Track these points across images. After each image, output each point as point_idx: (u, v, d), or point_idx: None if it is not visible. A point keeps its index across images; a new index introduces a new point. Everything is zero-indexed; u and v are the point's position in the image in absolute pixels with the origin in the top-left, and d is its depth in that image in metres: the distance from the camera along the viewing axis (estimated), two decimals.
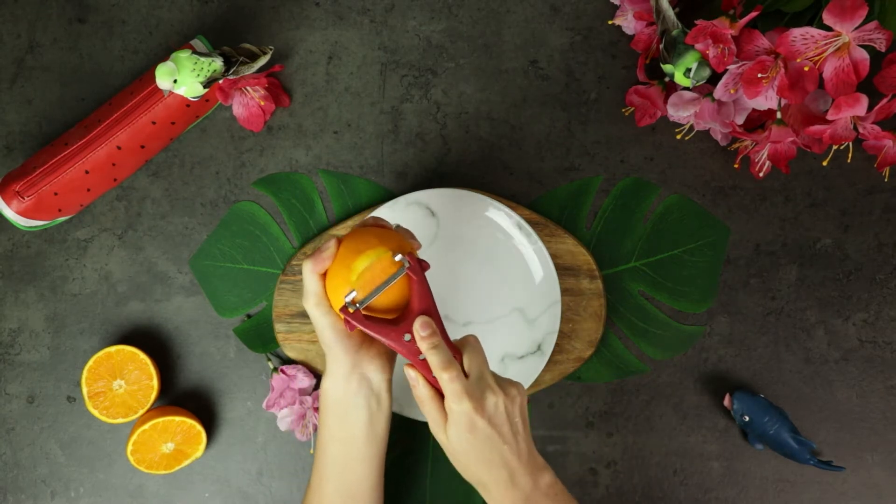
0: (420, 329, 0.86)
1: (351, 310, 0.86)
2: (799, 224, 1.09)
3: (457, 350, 0.87)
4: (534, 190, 1.09)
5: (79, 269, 1.08)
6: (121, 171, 1.05)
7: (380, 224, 0.90)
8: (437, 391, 0.87)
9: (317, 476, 0.95)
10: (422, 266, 0.87)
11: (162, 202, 1.09)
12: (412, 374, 0.87)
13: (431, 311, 0.87)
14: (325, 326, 0.89)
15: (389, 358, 0.93)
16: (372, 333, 0.86)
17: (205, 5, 1.09)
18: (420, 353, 0.87)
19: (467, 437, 0.85)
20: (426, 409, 0.87)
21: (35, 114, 1.09)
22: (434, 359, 0.85)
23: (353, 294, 0.86)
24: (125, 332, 1.09)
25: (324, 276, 0.89)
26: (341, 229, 1.07)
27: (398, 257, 0.86)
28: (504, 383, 0.87)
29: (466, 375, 0.86)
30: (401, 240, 0.88)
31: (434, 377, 0.86)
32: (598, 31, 1.09)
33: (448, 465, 1.08)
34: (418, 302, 0.87)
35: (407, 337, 0.87)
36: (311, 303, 0.89)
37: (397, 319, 0.88)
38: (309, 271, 0.88)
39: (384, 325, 0.87)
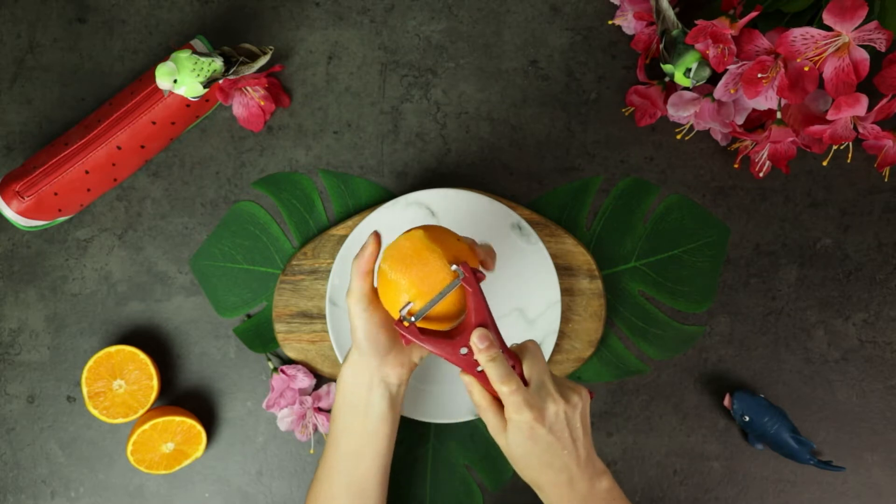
0: (478, 342, 0.84)
1: (406, 324, 0.84)
2: (799, 224, 1.08)
3: (515, 357, 0.86)
4: (534, 190, 1.09)
5: (79, 269, 1.08)
6: (121, 171, 1.05)
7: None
8: (494, 398, 0.85)
9: (326, 468, 0.95)
10: (476, 277, 0.85)
11: (162, 202, 1.09)
12: (468, 380, 0.86)
13: (488, 322, 0.85)
14: (360, 326, 0.89)
15: (410, 369, 0.93)
16: (428, 347, 0.85)
17: (205, 5, 1.09)
18: (478, 365, 0.85)
19: (527, 445, 0.84)
20: (485, 416, 0.86)
21: (35, 114, 1.09)
22: (493, 372, 0.84)
23: (410, 306, 0.85)
24: (125, 332, 1.09)
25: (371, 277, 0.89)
26: (341, 229, 1.07)
27: (453, 268, 0.84)
28: (566, 390, 0.85)
29: (526, 383, 0.84)
30: (431, 232, 0.87)
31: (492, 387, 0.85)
32: (598, 31, 1.09)
33: (448, 465, 1.08)
34: (475, 314, 0.85)
35: (463, 350, 0.85)
36: (353, 299, 0.89)
37: (453, 332, 0.86)
38: (355, 271, 0.89)
39: (440, 339, 0.85)
